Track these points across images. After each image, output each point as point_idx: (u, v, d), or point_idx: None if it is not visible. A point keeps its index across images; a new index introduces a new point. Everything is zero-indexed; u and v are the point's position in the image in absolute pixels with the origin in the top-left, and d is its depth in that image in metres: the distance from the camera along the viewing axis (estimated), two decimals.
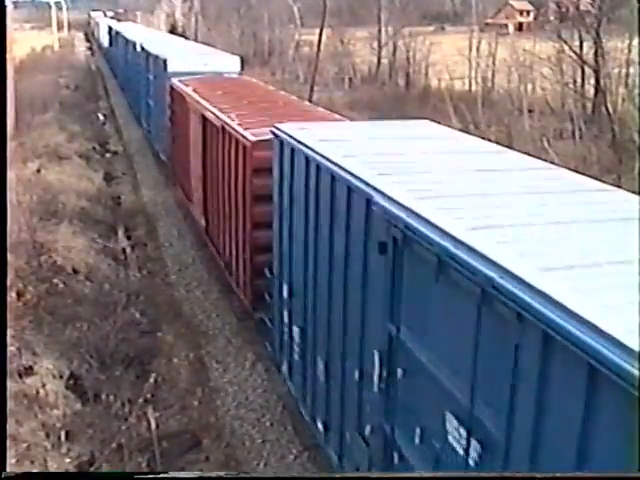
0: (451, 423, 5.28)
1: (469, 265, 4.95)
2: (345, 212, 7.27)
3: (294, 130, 9.09)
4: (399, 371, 6.22)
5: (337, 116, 13.11)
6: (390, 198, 6.29)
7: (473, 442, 5.01)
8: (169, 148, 20.08)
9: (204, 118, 14.16)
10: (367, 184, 6.76)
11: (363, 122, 14.12)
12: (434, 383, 5.53)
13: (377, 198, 6.46)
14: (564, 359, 4.14)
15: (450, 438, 5.28)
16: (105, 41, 56.05)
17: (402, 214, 5.98)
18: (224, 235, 13.07)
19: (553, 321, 4.15)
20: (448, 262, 5.22)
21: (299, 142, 8.57)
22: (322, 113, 13.74)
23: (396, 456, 6.27)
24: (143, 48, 26.81)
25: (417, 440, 5.86)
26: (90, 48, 72.74)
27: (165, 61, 20.85)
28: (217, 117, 13.11)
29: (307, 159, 8.28)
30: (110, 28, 51.91)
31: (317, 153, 8.04)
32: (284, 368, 9.84)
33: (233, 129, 11.89)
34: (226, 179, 12.58)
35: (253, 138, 10.92)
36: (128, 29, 42.40)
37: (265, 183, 10.08)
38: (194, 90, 16.30)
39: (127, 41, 34.65)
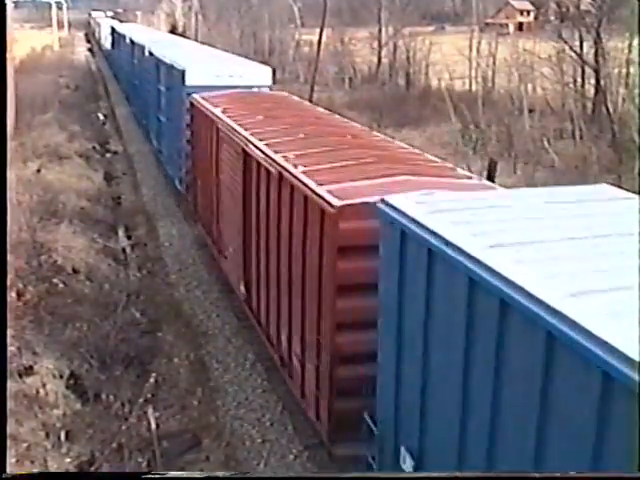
0: None
1: None
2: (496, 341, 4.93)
3: (409, 203, 6.23)
4: None
5: (451, 167, 9.53)
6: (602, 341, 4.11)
7: None
8: (188, 176, 17.13)
9: (246, 154, 11.01)
10: (550, 309, 4.44)
11: (518, 190, 9.32)
12: None
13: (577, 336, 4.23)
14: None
15: None
16: (107, 43, 53.44)
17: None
18: (282, 323, 9.59)
19: None
20: None
21: (420, 225, 5.82)
22: (421, 158, 9.94)
23: None
24: (152, 54, 23.63)
25: None
26: (90, 50, 70.99)
27: (183, 73, 17.50)
28: (270, 159, 9.82)
29: (432, 253, 5.65)
30: (113, 29, 48.55)
31: (450, 245, 5.41)
32: None
33: (300, 182, 8.62)
34: (285, 247, 9.24)
35: (338, 201, 7.64)
36: (133, 31, 39.01)
37: (356, 267, 7.43)
38: (225, 111, 13.37)
39: (133, 44, 31.39)
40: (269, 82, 17.71)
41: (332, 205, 7.65)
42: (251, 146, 10.69)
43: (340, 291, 7.66)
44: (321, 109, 15.70)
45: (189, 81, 17.20)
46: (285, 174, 9.12)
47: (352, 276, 7.49)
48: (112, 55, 49.03)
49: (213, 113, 13.58)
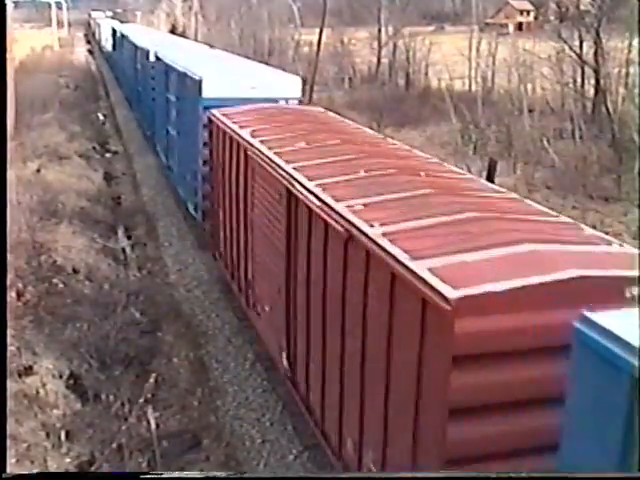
0: None
1: None
2: None
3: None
4: None
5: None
6: None
7: None
8: (205, 203, 14.90)
9: (292, 197, 8.55)
10: None
11: None
12: None
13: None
14: None
15: None
16: (107, 44, 51.55)
17: None
18: (347, 426, 7.41)
19: None
20: None
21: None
22: (531, 210, 7.49)
23: None
24: (159, 58, 21.58)
25: None
26: (90, 51, 69.14)
27: (200, 83, 15.19)
28: (331, 210, 7.39)
29: None
30: (114, 30, 45.78)
31: None
32: None
33: (382, 249, 6.34)
34: (355, 326, 6.97)
35: (452, 291, 5.39)
36: (135, 32, 36.62)
37: (477, 383, 5.48)
38: (255, 134, 10.99)
39: (136, 47, 28.92)
40: (298, 94, 15.47)
41: (444, 297, 5.36)
42: (299, 187, 8.23)
43: (456, 415, 5.53)
44: (369, 130, 13.02)
45: (207, 93, 14.93)
46: (356, 235, 6.75)
47: (473, 396, 5.52)
48: (113, 57, 46.39)
49: (240, 135, 11.18)
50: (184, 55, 20.46)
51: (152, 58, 22.97)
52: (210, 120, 13.20)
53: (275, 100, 14.49)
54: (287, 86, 15.36)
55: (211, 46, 29.57)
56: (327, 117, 13.37)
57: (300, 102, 15.50)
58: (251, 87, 14.95)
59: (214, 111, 13.17)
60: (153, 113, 23.58)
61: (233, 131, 11.61)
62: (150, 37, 32.11)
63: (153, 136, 24.07)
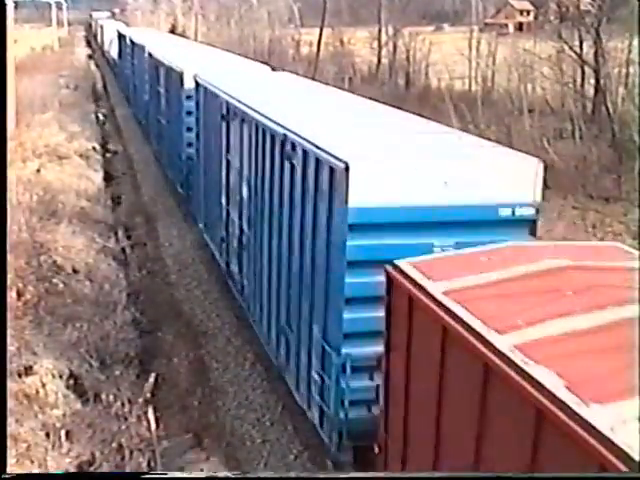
0: None
1: None
2: None
3: None
4: None
5: None
6: None
7: None
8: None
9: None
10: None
11: None
12: None
13: None
14: None
15: None
16: (112, 49, 44.63)
17: None
18: None
19: None
20: None
21: None
22: None
23: None
24: (208, 89, 13.85)
25: None
26: (91, 56, 63.31)
27: (345, 180, 7.65)
28: None
29: None
30: (121, 35, 38.39)
31: None
32: None
33: None
34: None
35: None
36: (152, 40, 28.29)
37: None
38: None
39: (159, 64, 21.17)
40: (538, 198, 8.02)
41: None
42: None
43: None
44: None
45: (356, 198, 7.59)
46: None
47: None
48: (120, 68, 39.02)
49: (477, 337, 5.25)
50: (246, 83, 13.80)
51: (189, 84, 15.87)
52: (389, 280, 6.53)
53: (493, 209, 7.87)
54: (515, 180, 7.96)
55: (273, 68, 20.41)
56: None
57: (535, 221, 8.05)
58: (442, 184, 7.81)
59: (398, 264, 6.46)
60: (206, 194, 14.74)
61: (458, 327, 5.48)
62: (173, 47, 24.98)
63: (213, 237, 14.55)
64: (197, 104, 15.18)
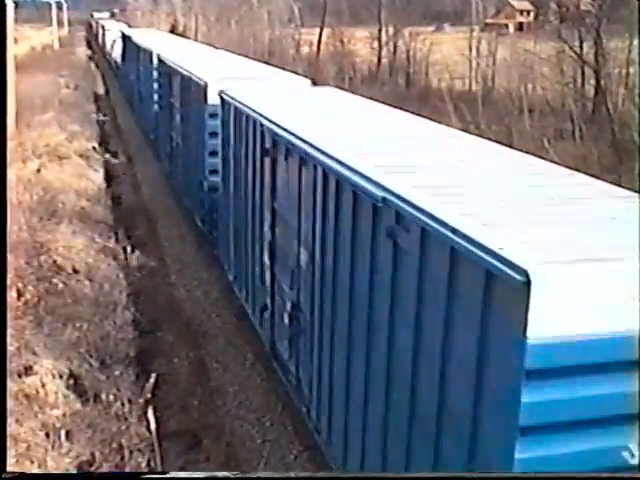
0: None
1: None
2: None
3: None
4: None
5: None
6: None
7: None
8: None
9: None
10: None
11: None
12: None
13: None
14: None
15: None
16: (114, 52, 42.38)
17: None
18: None
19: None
20: None
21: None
22: None
23: None
24: (238, 108, 11.26)
25: None
26: (91, 58, 61.76)
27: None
28: None
29: None
30: (124, 37, 35.49)
31: None
32: None
33: None
34: None
35: None
36: (157, 42, 26.09)
37: None
38: None
39: (172, 72, 18.24)
40: None
41: None
42: None
43: None
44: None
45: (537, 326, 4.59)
46: None
47: None
48: (123, 71, 36.44)
49: None
50: (293, 104, 11.15)
51: (213, 99, 13.11)
52: None
53: None
54: None
55: (314, 82, 17.35)
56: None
57: None
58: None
59: None
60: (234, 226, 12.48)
61: None
62: (187, 52, 21.89)
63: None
64: (224, 124, 12.28)
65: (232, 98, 11.64)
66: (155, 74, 22.01)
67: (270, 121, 9.48)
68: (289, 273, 9.18)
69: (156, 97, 22.09)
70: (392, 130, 9.16)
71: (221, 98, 12.31)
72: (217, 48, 26.98)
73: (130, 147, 27.80)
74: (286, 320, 9.39)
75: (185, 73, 16.41)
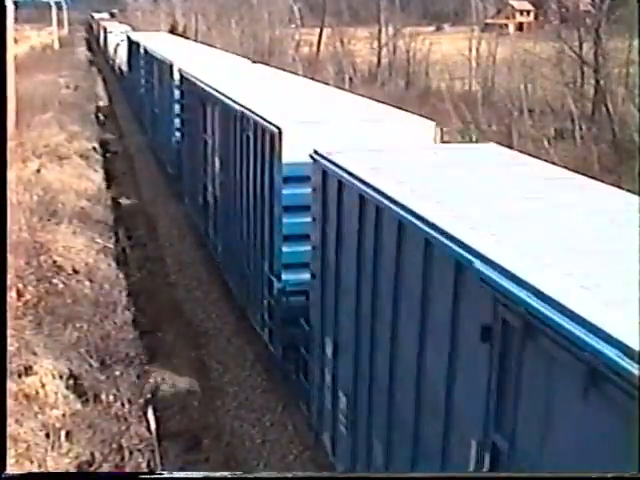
0: None
1: None
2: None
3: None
4: None
5: None
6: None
7: None
8: None
9: None
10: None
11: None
12: None
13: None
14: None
15: None
16: (119, 59, 38.79)
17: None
18: None
19: None
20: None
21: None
22: None
23: None
24: (345, 181, 7.40)
25: None
26: (92, 61, 58.89)
27: None
28: None
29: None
30: (132, 43, 31.02)
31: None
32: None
33: None
34: None
35: None
36: (175, 53, 20.82)
37: None
38: None
39: (204, 98, 13.89)
40: None
41: None
42: None
43: None
44: None
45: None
46: None
47: None
48: (130, 82, 32.08)
49: None
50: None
51: (292, 155, 9.35)
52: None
53: None
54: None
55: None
56: None
57: None
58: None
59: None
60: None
61: None
62: (221, 72, 15.91)
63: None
64: (318, 195, 8.18)
65: (334, 164, 7.67)
66: (177, 94, 17.87)
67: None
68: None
69: (177, 122, 18.00)
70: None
71: (312, 159, 8.23)
72: (254, 62, 21.79)
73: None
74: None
75: (236, 107, 11.64)
